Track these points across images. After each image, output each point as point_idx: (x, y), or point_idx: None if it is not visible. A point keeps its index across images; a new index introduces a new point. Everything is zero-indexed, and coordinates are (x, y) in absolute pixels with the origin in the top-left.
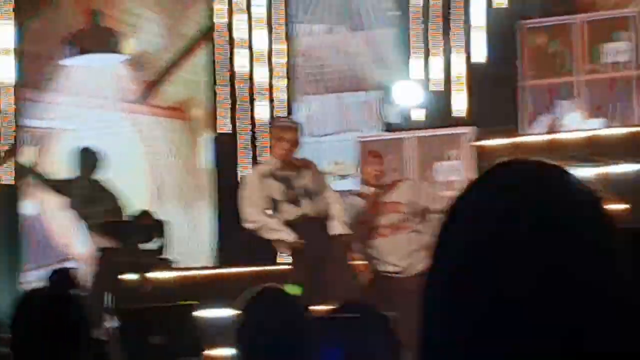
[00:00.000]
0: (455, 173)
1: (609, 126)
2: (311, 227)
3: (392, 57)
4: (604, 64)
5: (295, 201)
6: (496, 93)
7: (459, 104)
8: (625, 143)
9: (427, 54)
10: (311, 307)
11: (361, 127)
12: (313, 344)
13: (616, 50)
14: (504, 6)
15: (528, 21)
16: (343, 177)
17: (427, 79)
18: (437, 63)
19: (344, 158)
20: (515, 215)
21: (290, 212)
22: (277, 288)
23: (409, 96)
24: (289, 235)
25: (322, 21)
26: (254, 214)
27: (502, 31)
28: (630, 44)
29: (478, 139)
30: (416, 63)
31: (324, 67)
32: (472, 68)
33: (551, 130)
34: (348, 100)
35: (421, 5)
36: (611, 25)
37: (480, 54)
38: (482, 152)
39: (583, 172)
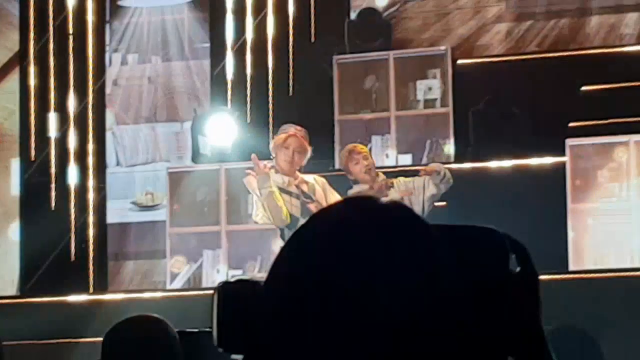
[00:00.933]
0: None
1: (420, 162)
2: None
3: (206, 89)
4: (417, 101)
5: None
6: (312, 127)
7: (274, 136)
8: None
9: (244, 87)
10: None
11: (172, 158)
12: None
13: (429, 87)
14: (317, 40)
15: (344, 56)
16: (153, 207)
17: (244, 111)
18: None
19: (154, 188)
20: (356, 249)
21: None
22: (143, 317)
23: (221, 128)
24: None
25: (136, 50)
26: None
27: (318, 65)
28: (442, 81)
29: None
30: (230, 95)
31: (138, 96)
32: (288, 102)
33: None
34: (161, 130)
35: (237, 37)
36: (424, 62)
37: (296, 88)
38: None
39: None
